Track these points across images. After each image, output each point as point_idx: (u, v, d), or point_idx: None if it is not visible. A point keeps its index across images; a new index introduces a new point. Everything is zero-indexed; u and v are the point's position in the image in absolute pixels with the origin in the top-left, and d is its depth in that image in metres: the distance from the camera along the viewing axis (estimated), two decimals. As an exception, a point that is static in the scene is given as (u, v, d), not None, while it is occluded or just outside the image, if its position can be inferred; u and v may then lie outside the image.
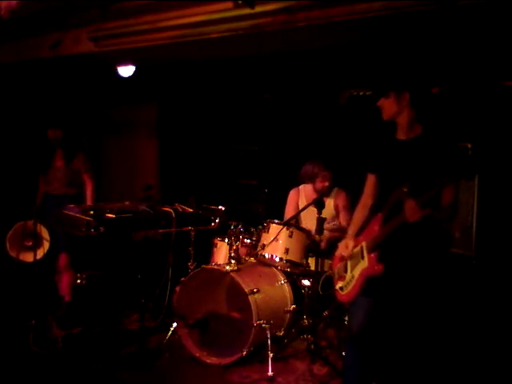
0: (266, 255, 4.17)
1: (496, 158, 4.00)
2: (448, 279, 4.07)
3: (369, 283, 2.82)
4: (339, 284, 3.04)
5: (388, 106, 2.80)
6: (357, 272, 2.89)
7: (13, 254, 4.65)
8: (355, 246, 2.94)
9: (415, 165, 2.71)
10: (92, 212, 3.82)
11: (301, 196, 4.71)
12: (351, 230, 3.06)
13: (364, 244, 2.86)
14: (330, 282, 3.37)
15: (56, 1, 4.13)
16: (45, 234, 4.69)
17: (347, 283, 2.97)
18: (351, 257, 2.96)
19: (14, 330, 4.35)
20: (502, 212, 4.08)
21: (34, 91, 5.94)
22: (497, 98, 4.19)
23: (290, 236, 4.14)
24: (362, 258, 2.86)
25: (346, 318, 3.97)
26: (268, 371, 3.67)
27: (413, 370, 2.89)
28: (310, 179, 4.56)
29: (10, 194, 5.73)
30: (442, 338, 3.80)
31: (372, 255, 2.80)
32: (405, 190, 2.65)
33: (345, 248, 3.01)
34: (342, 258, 3.03)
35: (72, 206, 4.10)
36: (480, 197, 4.15)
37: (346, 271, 3.00)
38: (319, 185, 4.51)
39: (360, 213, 3.06)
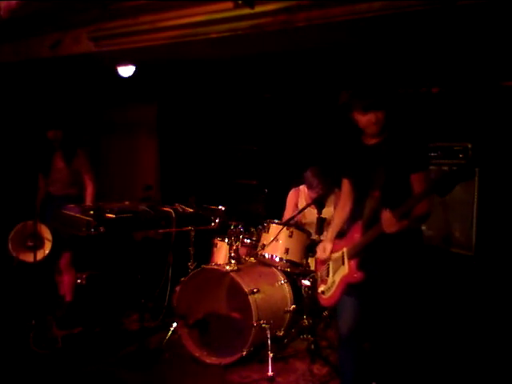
0: (266, 255, 4.17)
1: (496, 158, 4.00)
2: (447, 279, 4.07)
3: (351, 286, 2.82)
4: (321, 287, 3.05)
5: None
6: (338, 277, 2.90)
7: (15, 254, 4.61)
8: (337, 251, 2.94)
9: (383, 167, 2.71)
10: (92, 212, 3.81)
11: (300, 196, 4.70)
12: (330, 233, 3.07)
13: (345, 250, 2.86)
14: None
15: (56, 1, 4.13)
16: (47, 234, 4.64)
17: (329, 288, 2.97)
18: (333, 261, 2.96)
19: (14, 329, 4.35)
20: (502, 212, 4.08)
21: (34, 91, 5.94)
22: (497, 97, 4.19)
23: (290, 236, 4.14)
24: (343, 263, 2.86)
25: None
26: (268, 371, 3.67)
27: (412, 369, 2.89)
28: (307, 185, 4.55)
29: (12, 195, 5.72)
30: (442, 337, 3.81)
31: (352, 262, 2.80)
32: (375, 194, 2.68)
33: (322, 251, 3.02)
34: (325, 262, 3.04)
35: (72, 205, 4.09)
36: (480, 197, 4.14)
37: (328, 275, 3.00)
38: (311, 195, 4.50)
39: (338, 216, 3.07)
